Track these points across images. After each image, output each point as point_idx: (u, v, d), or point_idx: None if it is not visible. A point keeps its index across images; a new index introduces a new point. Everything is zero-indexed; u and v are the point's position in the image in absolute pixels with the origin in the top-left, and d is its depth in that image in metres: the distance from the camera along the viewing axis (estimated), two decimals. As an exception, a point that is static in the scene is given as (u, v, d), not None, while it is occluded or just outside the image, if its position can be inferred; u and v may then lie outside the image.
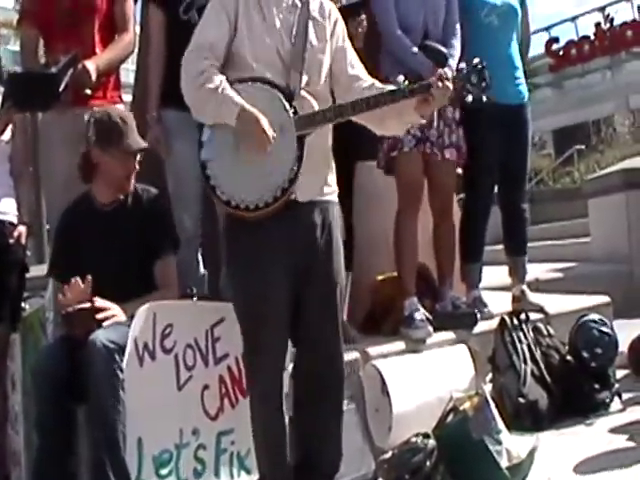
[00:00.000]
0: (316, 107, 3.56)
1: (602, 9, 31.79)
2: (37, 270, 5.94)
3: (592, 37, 31.46)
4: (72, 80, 4.71)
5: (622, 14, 31.23)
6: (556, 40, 32.48)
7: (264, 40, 3.59)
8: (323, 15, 3.73)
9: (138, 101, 5.92)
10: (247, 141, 3.46)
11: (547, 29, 32.76)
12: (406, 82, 3.55)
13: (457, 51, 5.33)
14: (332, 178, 3.74)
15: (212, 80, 3.51)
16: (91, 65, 4.77)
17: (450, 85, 3.46)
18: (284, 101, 3.51)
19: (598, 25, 31.41)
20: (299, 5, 3.68)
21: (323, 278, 3.63)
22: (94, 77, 4.78)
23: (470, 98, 3.56)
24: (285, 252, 3.54)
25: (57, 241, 4.56)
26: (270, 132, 3.42)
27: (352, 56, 3.76)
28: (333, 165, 3.76)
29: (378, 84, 3.65)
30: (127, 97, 6.24)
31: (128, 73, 6.13)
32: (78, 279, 3.98)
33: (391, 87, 3.56)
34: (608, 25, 31.14)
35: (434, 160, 5.34)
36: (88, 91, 4.85)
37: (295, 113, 3.51)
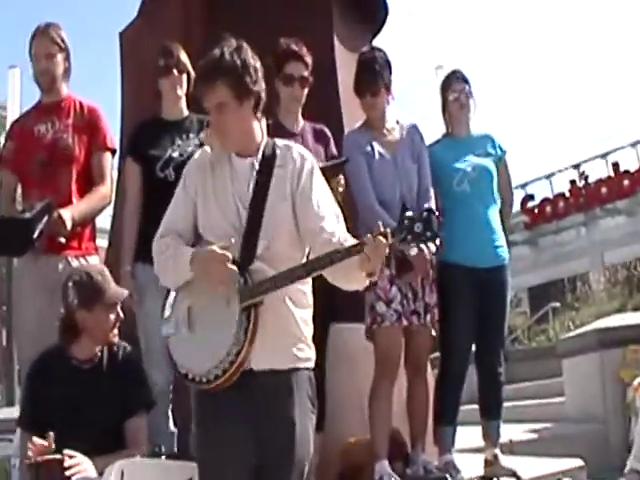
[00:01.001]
0: (273, 272, 3.49)
1: (577, 166, 32.31)
2: (7, 413, 5.86)
3: (567, 194, 31.88)
4: (47, 227, 4.73)
5: (597, 171, 31.79)
6: (531, 197, 32.92)
7: (217, 214, 3.58)
8: (286, 167, 3.65)
9: (112, 254, 5.93)
10: (209, 279, 3.46)
11: (523, 186, 33.23)
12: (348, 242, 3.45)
13: None
14: (300, 345, 3.62)
15: (170, 245, 3.58)
16: (67, 214, 4.81)
17: (384, 240, 3.26)
18: (232, 266, 3.46)
19: (573, 182, 31.88)
20: (257, 167, 3.63)
21: (283, 449, 3.52)
22: (69, 226, 4.81)
23: (414, 251, 3.52)
24: (244, 422, 3.47)
25: (28, 391, 4.48)
26: (225, 259, 3.40)
27: (317, 205, 3.59)
28: (303, 332, 3.64)
29: (342, 236, 3.48)
30: (103, 242, 6.26)
31: (105, 218, 6.14)
32: (37, 440, 3.89)
33: (336, 248, 3.40)
34: (583, 182, 31.60)
35: (413, 327, 5.36)
36: (62, 239, 4.89)
37: (246, 283, 3.46)
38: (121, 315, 4.38)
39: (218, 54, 3.58)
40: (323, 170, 4.15)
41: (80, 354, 4.33)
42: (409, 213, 3.36)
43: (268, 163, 3.65)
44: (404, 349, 5.43)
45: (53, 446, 3.88)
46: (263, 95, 3.67)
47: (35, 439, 3.90)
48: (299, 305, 3.63)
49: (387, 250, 3.30)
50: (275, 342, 3.52)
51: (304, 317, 3.65)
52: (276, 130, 4.16)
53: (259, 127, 3.72)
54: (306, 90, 5.45)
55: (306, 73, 5.40)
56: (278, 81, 5.30)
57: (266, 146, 3.70)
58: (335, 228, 3.54)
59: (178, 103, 5.37)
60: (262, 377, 3.49)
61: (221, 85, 3.54)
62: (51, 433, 3.88)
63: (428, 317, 5.40)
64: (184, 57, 5.33)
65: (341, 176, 5.18)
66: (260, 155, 3.66)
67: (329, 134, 5.58)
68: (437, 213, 3.33)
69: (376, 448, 5.20)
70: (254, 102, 3.62)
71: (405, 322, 5.30)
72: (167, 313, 3.64)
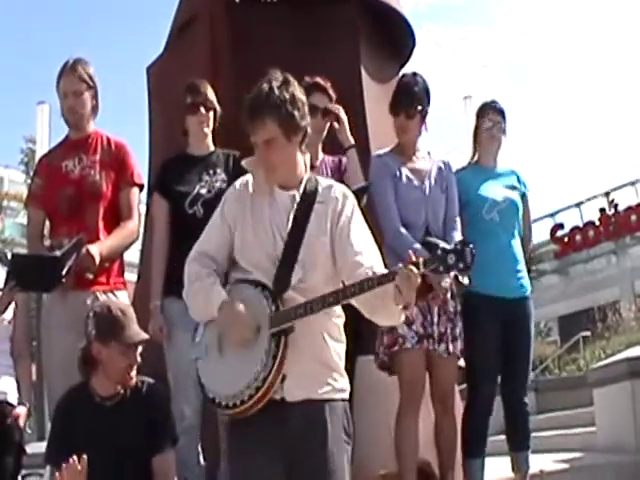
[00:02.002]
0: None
1: (606, 194, 32.17)
2: (38, 447, 5.89)
3: (597, 222, 31.72)
4: (76, 264, 4.76)
5: (626, 198, 31.65)
6: (561, 226, 32.79)
7: (254, 242, 3.58)
8: (327, 203, 3.66)
9: (141, 288, 5.95)
10: (227, 333, 3.49)
11: (552, 215, 33.17)
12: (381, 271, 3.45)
13: None
14: (335, 376, 3.60)
15: (203, 278, 3.59)
16: (95, 250, 4.84)
17: (415, 270, 3.24)
18: (268, 299, 3.48)
19: (603, 210, 31.73)
20: (297, 199, 3.64)
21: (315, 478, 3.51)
22: (97, 262, 4.84)
23: (447, 282, 3.47)
24: (276, 454, 3.45)
25: (54, 429, 4.50)
26: (248, 326, 3.43)
27: (356, 240, 3.59)
28: (338, 363, 3.63)
29: (377, 270, 3.46)
30: (132, 276, 6.30)
31: (134, 252, 6.18)
32: (75, 459, 3.86)
33: (369, 276, 3.41)
34: (612, 210, 31.46)
35: (437, 356, 5.31)
36: (90, 275, 4.93)
37: (277, 309, 3.47)
38: (138, 360, 4.33)
39: (267, 88, 3.56)
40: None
41: (102, 391, 4.34)
42: (444, 245, 3.38)
43: (309, 197, 3.66)
44: (429, 381, 5.41)
45: (85, 473, 3.84)
46: (309, 130, 3.69)
47: (70, 461, 3.84)
48: (334, 338, 3.62)
49: (419, 280, 3.27)
50: (309, 371, 3.51)
51: (338, 350, 3.64)
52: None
53: (303, 161, 3.73)
54: (328, 123, 5.48)
55: (329, 105, 5.44)
56: None
57: (308, 181, 3.71)
58: (373, 263, 3.52)
59: (205, 140, 5.43)
60: (296, 408, 3.48)
61: (270, 121, 3.54)
62: (84, 456, 3.84)
63: (455, 346, 5.35)
64: (211, 94, 5.39)
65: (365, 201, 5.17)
66: (302, 189, 3.67)
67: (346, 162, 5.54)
68: (472, 246, 3.32)
69: (404, 478, 5.17)
70: (301, 137, 3.64)
71: (426, 344, 5.24)
72: (198, 337, 3.65)
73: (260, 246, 3.59)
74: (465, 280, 5.06)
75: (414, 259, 3.28)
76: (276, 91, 3.56)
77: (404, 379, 5.31)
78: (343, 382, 3.64)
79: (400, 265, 3.28)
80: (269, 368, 3.41)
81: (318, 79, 5.45)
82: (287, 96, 3.57)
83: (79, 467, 3.86)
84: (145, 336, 4.38)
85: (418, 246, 5.12)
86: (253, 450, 3.49)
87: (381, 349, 5.35)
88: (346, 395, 3.65)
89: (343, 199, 3.70)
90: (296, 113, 3.58)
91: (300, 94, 3.65)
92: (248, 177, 3.81)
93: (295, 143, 3.63)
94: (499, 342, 5.59)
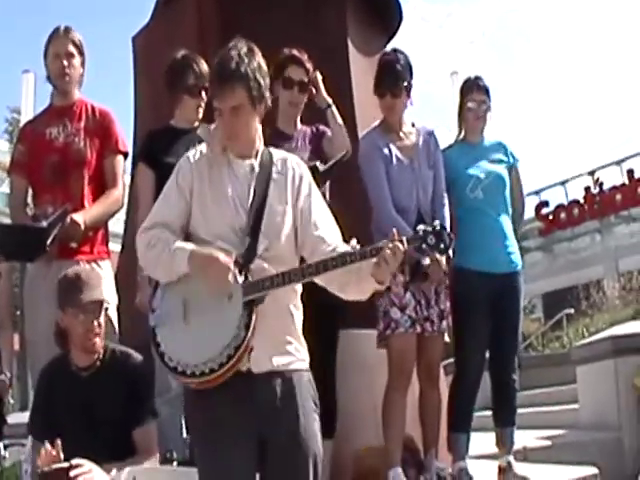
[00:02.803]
0: (272, 272, 3.46)
1: (592, 173, 32.22)
2: (20, 417, 5.87)
3: (582, 201, 31.79)
4: (60, 233, 4.73)
5: (611, 178, 31.72)
6: (546, 204, 32.82)
7: (216, 215, 3.54)
8: (285, 174, 3.67)
9: (125, 258, 5.91)
10: (207, 281, 3.42)
11: (537, 193, 33.18)
12: (358, 246, 3.45)
13: (447, 221, 5.36)
14: (297, 347, 3.59)
15: (161, 239, 3.52)
16: (79, 218, 4.82)
17: (401, 247, 3.29)
18: (234, 269, 3.42)
19: (588, 189, 31.79)
20: (257, 169, 3.63)
21: (289, 450, 3.47)
22: (82, 230, 4.82)
23: (427, 261, 3.51)
24: (244, 425, 3.42)
25: (35, 400, 4.48)
26: (227, 260, 3.38)
27: (317, 215, 3.64)
28: (299, 332, 3.62)
29: (341, 247, 3.50)
30: (116, 246, 6.25)
31: (118, 222, 6.13)
32: (48, 447, 3.84)
33: (348, 250, 3.43)
34: (598, 189, 31.51)
35: (428, 335, 5.34)
36: (74, 244, 4.89)
37: (246, 279, 3.43)
38: (99, 325, 4.24)
39: (236, 56, 3.55)
40: (325, 172, 4.11)
41: (79, 361, 4.29)
42: (421, 226, 3.40)
43: (267, 167, 3.65)
44: (417, 356, 5.40)
45: (62, 455, 3.84)
46: (269, 102, 3.68)
47: (45, 447, 3.85)
48: (297, 307, 3.63)
49: (402, 256, 3.30)
50: (274, 343, 3.49)
51: (299, 318, 3.64)
52: (274, 135, 4.11)
53: (260, 131, 3.72)
54: (305, 96, 5.45)
55: (306, 79, 5.40)
56: (277, 85, 5.24)
57: (264, 152, 3.70)
58: (335, 240, 3.56)
59: (195, 119, 5.43)
60: (263, 380, 3.45)
61: (240, 88, 3.52)
62: (58, 441, 3.84)
63: (443, 323, 5.39)
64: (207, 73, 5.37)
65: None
66: (259, 158, 3.67)
67: (326, 130, 5.52)
68: (448, 229, 3.37)
69: (389, 455, 5.18)
70: (264, 107, 3.63)
71: (419, 329, 5.28)
72: (156, 303, 3.54)
73: (222, 217, 3.55)
74: (443, 261, 5.11)
75: (398, 237, 3.30)
76: (245, 59, 3.55)
77: (394, 358, 5.31)
78: (304, 352, 3.63)
79: (385, 241, 3.29)
80: (242, 337, 3.36)
81: (294, 51, 5.41)
82: (255, 65, 3.58)
83: (54, 452, 3.84)
84: (97, 297, 4.25)
85: (410, 231, 5.13)
86: (220, 422, 3.44)
87: (378, 333, 5.37)
88: (307, 365, 3.63)
89: (299, 169, 3.73)
90: (262, 82, 3.58)
91: (264, 65, 3.65)
92: (201, 147, 3.77)
93: (258, 112, 3.62)
94: (488, 317, 5.59)
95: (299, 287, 3.61)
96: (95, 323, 4.23)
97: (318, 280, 3.49)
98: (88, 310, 4.21)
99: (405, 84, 5.45)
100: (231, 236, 3.51)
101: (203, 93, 5.35)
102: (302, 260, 3.60)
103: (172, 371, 3.44)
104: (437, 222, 3.46)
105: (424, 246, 3.34)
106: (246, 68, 3.54)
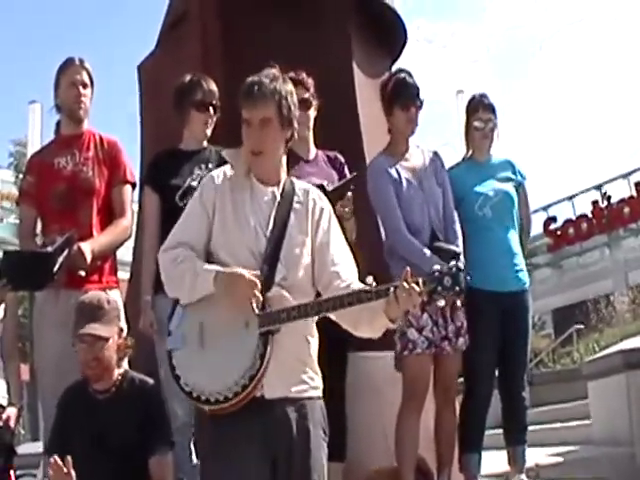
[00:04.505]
0: (291, 302, 3.48)
1: (599, 187, 32.19)
2: (31, 447, 5.87)
3: (590, 215, 31.72)
4: (67, 261, 4.73)
5: (619, 191, 31.67)
6: (554, 219, 32.77)
7: (237, 238, 3.57)
8: (306, 206, 3.68)
9: (134, 284, 5.92)
10: (233, 299, 3.44)
11: (545, 208, 33.14)
12: (374, 283, 3.43)
13: (459, 236, 5.43)
14: (311, 375, 3.62)
15: (187, 258, 3.55)
16: (87, 247, 4.81)
17: (417, 288, 3.28)
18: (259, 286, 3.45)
19: (595, 203, 31.74)
20: (278, 198, 3.65)
21: (297, 477, 3.50)
22: (89, 259, 4.81)
23: (442, 303, 3.54)
24: (256, 450, 3.45)
25: (54, 422, 4.47)
26: (253, 278, 3.40)
27: (335, 251, 3.66)
28: (314, 361, 3.65)
29: (355, 285, 3.52)
30: (125, 274, 6.27)
31: (127, 250, 6.14)
32: (57, 459, 3.85)
33: (364, 287, 3.43)
34: (605, 203, 31.44)
35: (445, 354, 5.35)
36: (82, 273, 4.87)
37: (263, 309, 3.45)
38: (92, 354, 4.22)
39: (271, 75, 3.63)
40: (333, 192, 4.12)
41: (97, 385, 4.32)
42: (437, 266, 3.38)
43: (289, 196, 3.67)
44: (433, 375, 5.41)
45: (73, 473, 3.85)
46: (296, 134, 3.73)
47: (54, 458, 3.86)
48: (310, 334, 3.64)
49: (419, 299, 3.32)
50: (289, 371, 3.52)
51: (313, 346, 3.66)
52: (289, 158, 4.16)
53: (284, 162, 3.74)
54: (311, 112, 5.47)
55: (307, 95, 5.39)
56: None
57: (286, 181, 3.72)
58: (350, 276, 3.58)
59: (203, 137, 5.46)
60: (275, 405, 3.48)
61: (272, 102, 3.58)
62: (68, 457, 3.85)
63: (460, 340, 5.38)
64: (217, 94, 5.42)
65: (349, 194, 5.16)
66: (281, 188, 3.68)
67: (342, 159, 5.57)
68: (462, 268, 3.36)
69: (402, 477, 5.17)
70: (290, 135, 3.67)
71: (434, 349, 5.28)
72: (173, 326, 3.58)
73: (242, 241, 3.58)
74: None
75: (414, 278, 3.30)
76: (280, 81, 3.62)
77: (409, 379, 5.32)
78: (318, 380, 3.66)
79: (400, 280, 3.29)
80: (257, 367, 3.40)
81: (292, 74, 5.44)
82: (288, 89, 3.64)
83: (64, 469, 3.85)
84: (93, 331, 4.24)
85: (428, 252, 5.21)
86: (239, 447, 3.47)
87: (395, 355, 5.38)
88: (320, 392, 3.65)
89: (320, 202, 3.75)
90: (292, 107, 3.63)
91: (296, 96, 3.70)
92: (225, 168, 3.79)
93: (284, 136, 3.65)
94: (498, 336, 5.60)
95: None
96: (89, 356, 4.24)
97: (332, 315, 3.51)
98: (84, 341, 4.24)
99: (418, 98, 5.52)
100: (251, 260, 3.53)
101: (211, 109, 5.39)
102: (318, 294, 3.62)
103: (187, 395, 3.49)
104: (453, 263, 3.44)
105: (439, 289, 3.33)
106: (280, 87, 3.61)
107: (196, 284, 3.50)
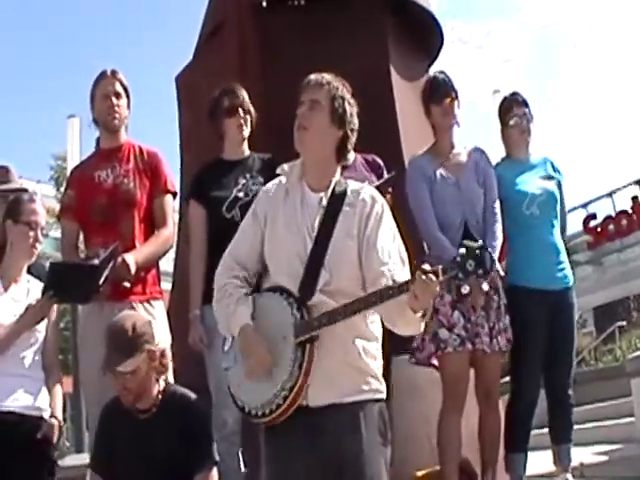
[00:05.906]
0: (334, 305, 3.48)
1: (638, 182, 31.84)
2: (76, 459, 5.88)
3: (630, 211, 31.40)
4: (112, 273, 4.76)
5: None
6: (593, 217, 32.46)
7: (285, 246, 3.62)
8: (356, 208, 3.66)
9: (176, 296, 5.95)
10: (245, 359, 3.55)
11: (584, 206, 32.82)
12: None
13: (498, 238, 5.36)
14: (366, 379, 3.58)
15: (228, 295, 3.65)
16: (130, 258, 4.86)
17: (434, 278, 3.23)
18: (293, 308, 3.51)
19: (635, 199, 31.40)
20: (324, 203, 3.66)
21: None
22: (133, 270, 4.85)
23: (467, 288, 3.54)
24: (305, 459, 3.48)
25: (97, 435, 4.51)
26: (264, 358, 3.48)
27: (383, 248, 3.58)
28: (369, 364, 3.59)
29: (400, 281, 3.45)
30: (167, 285, 6.31)
31: (168, 262, 6.19)
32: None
33: (387, 284, 3.42)
34: (646, 197, 31.12)
35: (480, 352, 5.30)
36: (127, 284, 4.92)
37: (302, 317, 3.48)
38: (129, 386, 4.23)
39: (333, 76, 3.74)
40: None
41: (137, 405, 4.33)
42: (462, 250, 3.34)
43: (338, 200, 3.68)
44: (474, 377, 5.41)
45: None
46: (350, 143, 3.77)
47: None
48: (363, 337, 3.59)
49: (437, 288, 3.29)
50: (337, 376, 3.51)
51: (369, 349, 3.61)
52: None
53: (338, 168, 3.79)
54: None
55: None
56: None
57: (337, 184, 3.74)
58: (397, 274, 3.50)
59: (241, 144, 5.47)
60: (324, 414, 3.48)
61: (325, 90, 3.69)
62: None
63: (500, 340, 5.34)
64: (247, 98, 5.43)
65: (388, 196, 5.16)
66: (330, 191, 3.70)
67: (381, 162, 5.55)
68: (498, 245, 3.34)
69: (446, 478, 5.18)
70: (341, 136, 3.70)
71: (470, 346, 5.25)
72: (227, 347, 3.69)
73: (291, 244, 3.61)
74: (485, 286, 5.00)
75: (432, 267, 3.27)
76: (340, 83, 3.74)
77: (446, 378, 5.32)
78: (376, 384, 3.62)
79: (418, 273, 3.26)
80: (295, 376, 3.44)
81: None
82: (347, 94, 3.74)
83: None
84: (111, 368, 4.24)
85: (453, 252, 5.15)
86: (284, 457, 3.52)
87: (424, 353, 5.36)
88: (381, 396, 3.64)
89: (372, 202, 3.72)
90: (347, 111, 3.70)
91: (354, 107, 3.76)
92: (281, 178, 3.83)
93: (333, 133, 3.69)
94: (544, 335, 5.58)
95: (373, 317, 3.62)
96: (119, 387, 4.27)
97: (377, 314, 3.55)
98: (116, 374, 4.24)
99: (457, 94, 5.55)
100: (296, 263, 3.57)
101: (241, 111, 5.40)
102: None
103: (241, 411, 3.63)
104: (479, 242, 3.43)
105: (460, 274, 3.30)
106: (337, 84, 3.72)
107: (229, 327, 3.64)
